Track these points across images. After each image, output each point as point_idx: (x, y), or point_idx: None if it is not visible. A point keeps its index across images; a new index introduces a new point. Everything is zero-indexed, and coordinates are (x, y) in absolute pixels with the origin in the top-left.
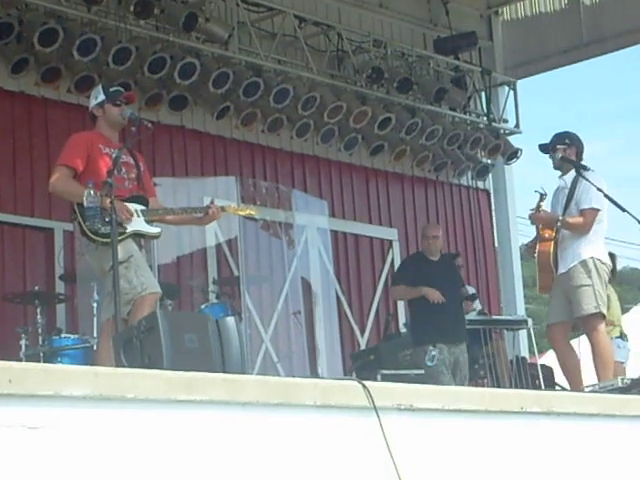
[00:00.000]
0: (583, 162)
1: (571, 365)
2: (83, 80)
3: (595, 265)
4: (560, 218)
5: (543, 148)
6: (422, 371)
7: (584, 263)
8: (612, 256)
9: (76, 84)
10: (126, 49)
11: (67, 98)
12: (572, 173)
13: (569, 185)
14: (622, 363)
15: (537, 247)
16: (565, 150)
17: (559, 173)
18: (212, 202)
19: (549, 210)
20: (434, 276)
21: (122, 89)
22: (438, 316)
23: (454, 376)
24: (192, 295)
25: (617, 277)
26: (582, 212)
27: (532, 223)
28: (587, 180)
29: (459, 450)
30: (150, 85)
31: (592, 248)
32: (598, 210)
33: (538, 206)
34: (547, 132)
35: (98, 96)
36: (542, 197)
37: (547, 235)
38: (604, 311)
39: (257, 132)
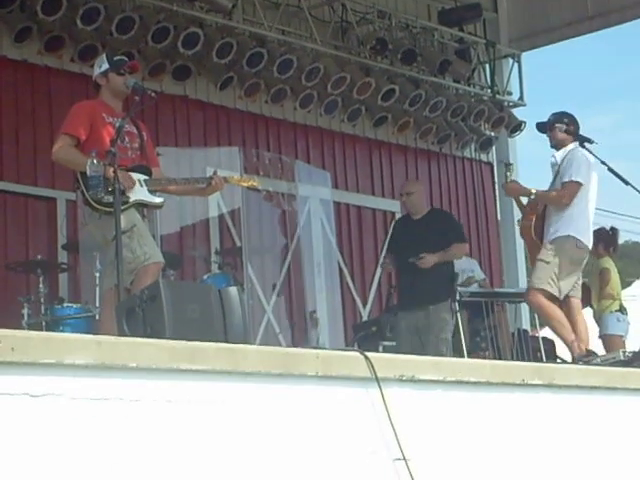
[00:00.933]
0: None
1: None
2: (86, 49)
3: (567, 248)
4: (533, 191)
5: (541, 127)
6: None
7: (558, 241)
8: (614, 230)
9: (79, 53)
10: (130, 18)
11: (70, 67)
12: (563, 151)
13: (559, 161)
14: (622, 336)
15: (521, 223)
16: (562, 129)
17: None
18: (215, 173)
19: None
20: (409, 237)
21: (126, 58)
22: (400, 283)
23: (415, 343)
24: (195, 265)
25: (619, 251)
26: (563, 184)
27: (506, 195)
28: (591, 152)
29: (460, 421)
30: (154, 55)
31: (573, 227)
32: (580, 184)
33: (506, 177)
34: (551, 105)
35: (102, 65)
36: (507, 167)
37: (529, 209)
38: (550, 290)
39: (260, 103)
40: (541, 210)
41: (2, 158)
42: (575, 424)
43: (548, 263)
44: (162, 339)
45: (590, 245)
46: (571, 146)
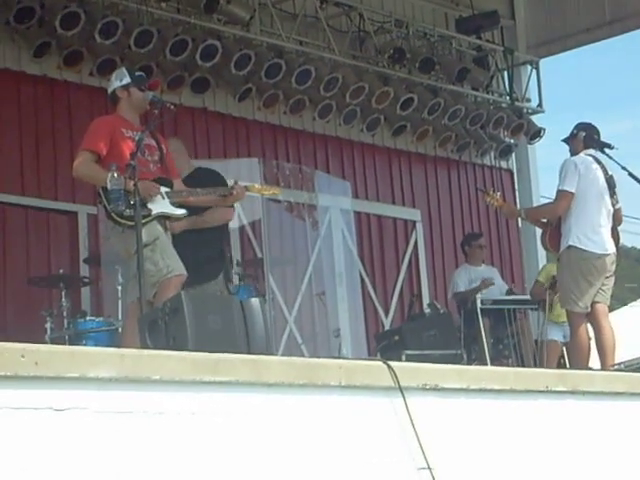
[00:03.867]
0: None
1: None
2: (105, 63)
3: (572, 260)
4: (522, 212)
5: (565, 140)
6: (450, 351)
7: (563, 255)
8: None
9: (98, 67)
10: (148, 32)
11: (89, 81)
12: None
13: None
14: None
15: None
16: (578, 139)
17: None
18: (236, 183)
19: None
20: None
21: (145, 75)
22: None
23: None
24: None
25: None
26: (556, 195)
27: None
28: (611, 158)
29: (484, 429)
30: (172, 68)
31: (572, 237)
32: (568, 192)
33: (493, 201)
34: (570, 111)
35: (123, 78)
36: (486, 191)
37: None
38: (576, 310)
39: (279, 113)
40: (555, 220)
41: (23, 173)
42: (600, 430)
43: (563, 281)
44: (185, 351)
45: (604, 249)
46: (581, 153)
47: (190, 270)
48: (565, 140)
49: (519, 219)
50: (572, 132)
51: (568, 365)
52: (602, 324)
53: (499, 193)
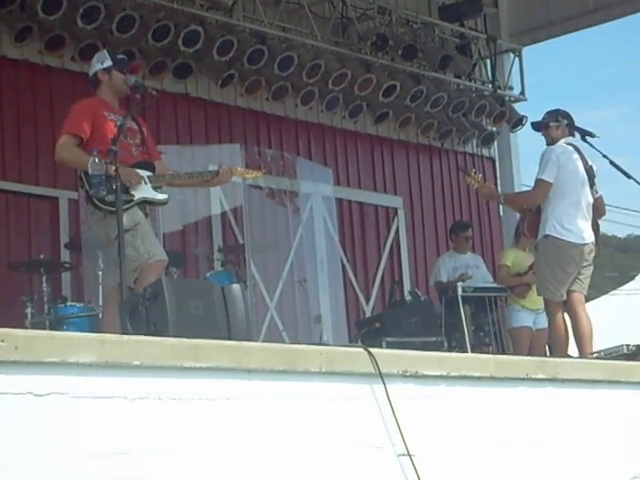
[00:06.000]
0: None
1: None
2: (87, 48)
3: (548, 249)
4: (502, 196)
5: (536, 126)
6: (431, 338)
7: (539, 243)
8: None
9: (80, 52)
10: (130, 17)
11: (71, 66)
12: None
13: None
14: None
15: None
16: (557, 127)
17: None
18: (220, 166)
19: None
20: None
21: (127, 58)
22: None
23: None
24: (197, 263)
25: (621, 245)
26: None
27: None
28: (592, 146)
29: (465, 416)
30: (154, 53)
31: (549, 226)
32: (545, 182)
33: (473, 181)
34: (553, 99)
35: (104, 61)
36: (467, 172)
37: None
38: (552, 298)
39: (262, 100)
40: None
41: (4, 158)
42: (579, 418)
43: (540, 269)
44: (165, 337)
45: (581, 239)
46: (561, 142)
47: None
48: (538, 127)
49: (499, 203)
50: (546, 119)
51: (548, 353)
52: (578, 313)
53: (480, 175)
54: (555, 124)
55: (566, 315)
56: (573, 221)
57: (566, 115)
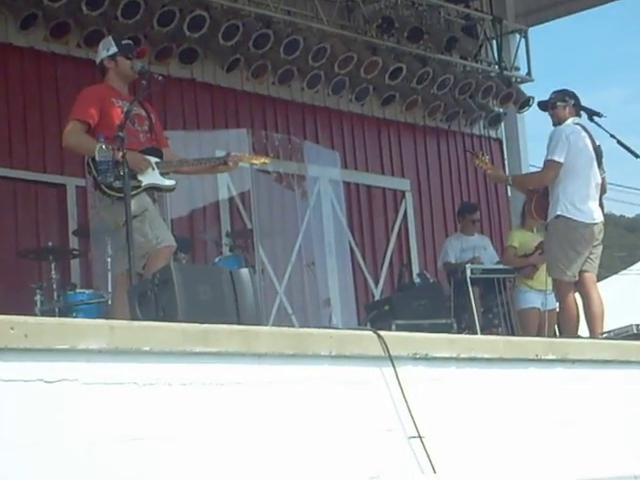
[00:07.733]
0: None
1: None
2: (92, 35)
3: (559, 229)
4: (510, 178)
5: (543, 106)
6: (440, 320)
7: (551, 224)
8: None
9: (85, 39)
10: (135, 2)
11: (76, 53)
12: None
13: None
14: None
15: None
16: (565, 107)
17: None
18: (229, 154)
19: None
20: None
21: (132, 43)
22: None
23: None
24: (206, 248)
25: (630, 225)
26: (543, 164)
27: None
28: (599, 126)
29: (475, 398)
30: (160, 39)
31: (560, 206)
32: (556, 162)
33: (482, 164)
34: (560, 80)
35: (110, 48)
36: (474, 154)
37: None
38: (564, 278)
39: (268, 84)
40: (541, 189)
41: (11, 146)
42: (589, 398)
43: (551, 250)
44: (175, 322)
45: (592, 219)
46: (568, 121)
47: None
48: (545, 107)
49: (507, 186)
50: (553, 99)
51: (558, 333)
52: (590, 293)
53: (488, 157)
54: (562, 104)
55: (577, 295)
56: (585, 201)
57: (573, 95)
